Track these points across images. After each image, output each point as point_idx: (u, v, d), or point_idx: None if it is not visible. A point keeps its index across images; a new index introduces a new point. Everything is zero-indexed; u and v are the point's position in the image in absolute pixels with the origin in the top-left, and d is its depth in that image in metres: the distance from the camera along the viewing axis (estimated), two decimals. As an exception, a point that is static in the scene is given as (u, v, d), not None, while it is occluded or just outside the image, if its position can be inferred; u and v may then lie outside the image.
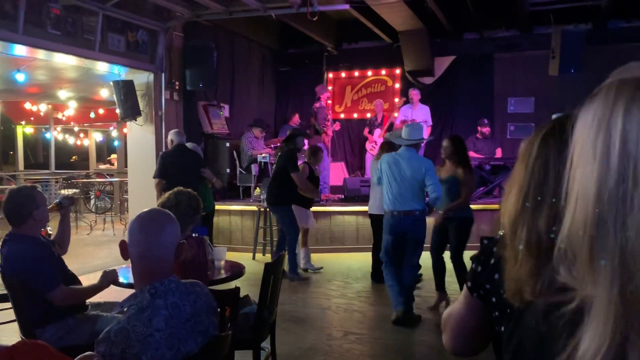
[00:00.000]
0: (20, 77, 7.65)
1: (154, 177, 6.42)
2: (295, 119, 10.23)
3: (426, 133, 9.56)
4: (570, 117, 0.97)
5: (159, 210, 1.95)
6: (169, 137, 6.65)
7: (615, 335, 0.60)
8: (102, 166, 15.98)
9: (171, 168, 6.24)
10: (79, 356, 1.65)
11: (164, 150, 8.03)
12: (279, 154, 6.89)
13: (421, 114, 9.60)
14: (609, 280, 0.62)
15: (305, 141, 9.71)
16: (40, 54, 6.58)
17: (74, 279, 3.22)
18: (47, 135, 14.43)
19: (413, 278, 5.20)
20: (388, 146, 5.98)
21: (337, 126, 10.13)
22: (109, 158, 16.23)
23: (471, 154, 8.08)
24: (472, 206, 5.63)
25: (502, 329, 1.08)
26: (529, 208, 0.96)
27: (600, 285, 0.63)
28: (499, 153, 9.32)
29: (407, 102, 9.84)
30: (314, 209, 8.25)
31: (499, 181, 8.57)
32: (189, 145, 6.67)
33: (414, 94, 9.65)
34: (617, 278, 0.61)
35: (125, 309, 1.73)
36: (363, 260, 7.24)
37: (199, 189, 6.59)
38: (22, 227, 3.04)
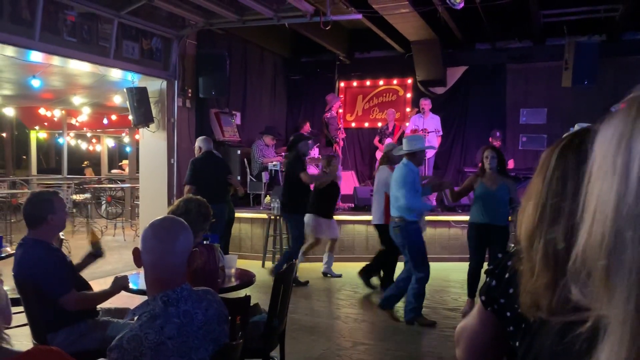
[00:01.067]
0: (35, 83, 7.74)
1: (184, 184, 6.54)
2: (307, 127, 10.26)
3: (436, 142, 9.55)
4: (590, 131, 0.97)
5: (173, 218, 1.96)
6: (196, 144, 6.76)
7: (631, 353, 0.60)
8: (114, 171, 16.09)
9: (201, 174, 6.36)
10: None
11: (175, 157, 8.11)
12: (286, 162, 6.98)
13: (432, 123, 9.59)
14: (625, 297, 0.61)
15: (317, 149, 9.75)
16: (56, 60, 6.66)
17: (85, 285, 3.24)
18: (60, 140, 14.56)
19: (415, 286, 5.22)
20: (385, 158, 6.29)
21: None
22: (120, 164, 16.33)
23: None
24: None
25: (517, 343, 1.07)
26: (546, 220, 0.95)
27: (616, 302, 0.62)
28: (511, 164, 9.27)
29: (418, 111, 9.83)
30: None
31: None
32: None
33: (425, 103, 9.64)
34: (634, 294, 0.61)
35: (137, 316, 1.74)
36: (373, 269, 7.20)
37: (227, 196, 6.69)
38: (38, 230, 3.07)
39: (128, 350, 1.61)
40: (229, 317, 2.38)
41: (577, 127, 5.65)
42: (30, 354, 1.51)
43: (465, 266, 5.63)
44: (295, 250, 6.69)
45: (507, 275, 1.13)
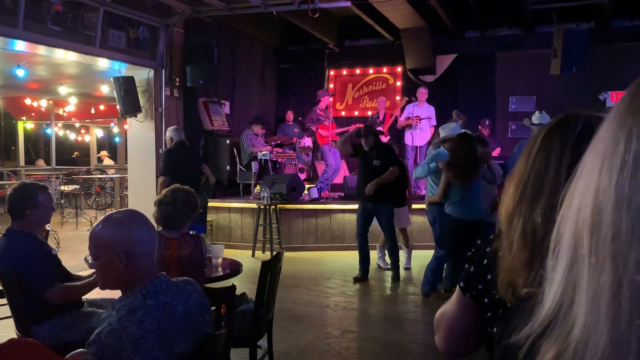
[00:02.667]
0: (20, 72, 7.65)
1: (159, 175, 6.47)
2: (288, 116, 10.24)
3: (429, 131, 9.52)
4: (578, 116, 0.97)
5: (132, 209, 1.94)
6: (168, 135, 6.68)
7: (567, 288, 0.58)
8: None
9: (176, 165, 6.31)
10: (69, 354, 1.63)
11: (163, 147, 8.04)
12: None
13: (426, 112, 9.57)
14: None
15: (308, 138, 9.69)
16: (41, 49, 6.56)
17: (69, 277, 3.21)
18: (48, 130, 14.41)
19: (434, 262, 5.67)
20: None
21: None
22: (98, 155, 15.76)
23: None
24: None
25: (495, 330, 1.06)
26: (527, 199, 0.95)
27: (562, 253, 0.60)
28: (496, 152, 9.28)
29: (409, 101, 9.77)
30: (314, 206, 8.27)
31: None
32: None
33: (423, 92, 9.59)
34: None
35: (115, 310, 1.71)
36: (362, 258, 7.20)
37: (200, 185, 6.63)
38: (20, 222, 3.03)
39: (107, 345, 1.58)
40: (214, 307, 2.35)
41: (446, 129, 5.83)
42: (6, 346, 1.49)
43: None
44: (394, 238, 6.49)
45: (485, 262, 1.12)
